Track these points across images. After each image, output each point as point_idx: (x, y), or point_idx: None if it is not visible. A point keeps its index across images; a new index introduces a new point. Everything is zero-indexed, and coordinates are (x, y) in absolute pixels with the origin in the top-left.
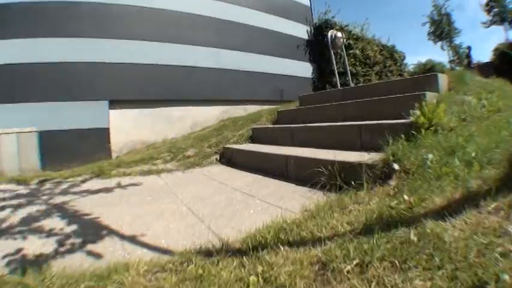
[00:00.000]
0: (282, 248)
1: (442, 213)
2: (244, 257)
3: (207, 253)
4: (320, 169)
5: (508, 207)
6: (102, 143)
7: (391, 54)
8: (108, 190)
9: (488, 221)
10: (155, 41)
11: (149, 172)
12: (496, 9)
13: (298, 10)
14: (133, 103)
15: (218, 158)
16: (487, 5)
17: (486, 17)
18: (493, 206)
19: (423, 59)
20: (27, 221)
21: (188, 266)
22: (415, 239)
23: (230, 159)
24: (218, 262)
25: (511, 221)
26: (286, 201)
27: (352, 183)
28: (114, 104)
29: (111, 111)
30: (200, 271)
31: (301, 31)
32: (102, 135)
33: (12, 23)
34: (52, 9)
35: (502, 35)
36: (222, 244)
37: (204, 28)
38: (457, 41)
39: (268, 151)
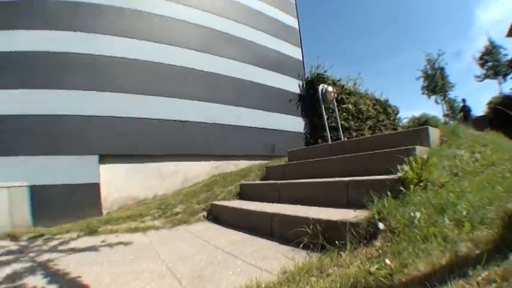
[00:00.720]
0: None
1: (424, 283)
2: None
3: None
4: (304, 228)
5: (501, 279)
6: (93, 199)
7: (385, 109)
8: (92, 248)
9: None
10: (145, 94)
11: (136, 229)
12: (489, 63)
13: (291, 64)
14: (124, 158)
15: (206, 215)
16: (480, 58)
17: (480, 71)
18: (483, 275)
19: (417, 113)
20: (12, 278)
21: None
22: None
23: (217, 216)
24: None
25: None
26: (268, 262)
27: (336, 242)
28: (104, 159)
29: (102, 166)
30: None
31: (293, 85)
32: (93, 190)
33: (2, 72)
34: (43, 59)
35: (495, 88)
36: None
37: (195, 82)
38: (451, 95)
39: (253, 208)
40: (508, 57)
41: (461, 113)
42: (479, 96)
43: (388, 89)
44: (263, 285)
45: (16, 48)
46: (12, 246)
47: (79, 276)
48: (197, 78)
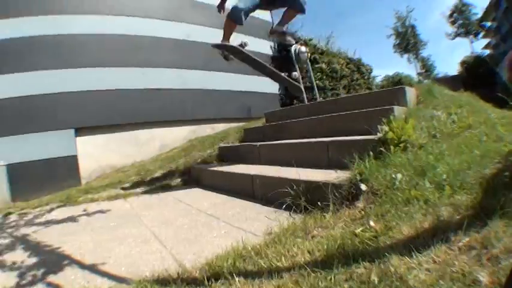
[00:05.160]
0: (236, 279)
1: (408, 246)
2: None
3: (164, 282)
4: (286, 189)
5: (481, 246)
6: (71, 171)
7: (358, 68)
8: (73, 218)
9: (457, 262)
10: (117, 66)
11: (116, 196)
12: (460, 21)
13: (259, 26)
14: (100, 129)
15: (186, 179)
16: (450, 16)
17: (451, 29)
18: (464, 241)
19: (391, 72)
20: None
21: None
22: (376, 279)
23: (197, 179)
24: None
25: (483, 264)
26: (251, 224)
27: (319, 203)
28: (80, 131)
29: (78, 139)
30: None
31: (265, 47)
32: (71, 162)
33: None
34: (12, 46)
35: (467, 47)
36: (180, 273)
37: (167, 50)
38: (424, 53)
39: (234, 171)
40: (478, 16)
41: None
42: (452, 55)
43: (360, 47)
44: (249, 247)
45: None
46: None
47: (60, 247)
48: (169, 46)
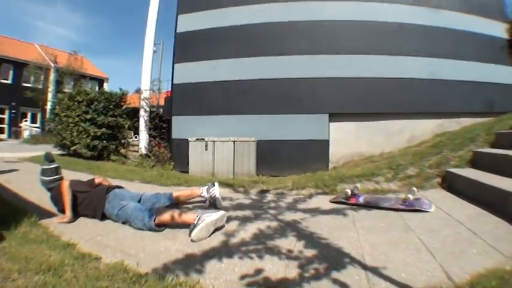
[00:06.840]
0: None
1: None
2: None
3: None
4: None
5: None
6: (321, 154)
7: None
8: (337, 211)
9: None
10: (366, 53)
11: (375, 191)
12: None
13: (491, 5)
14: (352, 116)
15: (440, 182)
16: None
17: None
18: None
19: None
20: (260, 237)
21: None
22: None
23: (451, 184)
24: None
25: None
26: (504, 244)
27: None
28: (333, 117)
29: (331, 124)
30: None
31: (498, 30)
32: (322, 146)
33: (238, 43)
34: (264, 30)
35: None
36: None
37: (413, 37)
38: None
39: (486, 182)
40: None
41: None
42: None
43: None
44: (508, 269)
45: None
46: (243, 199)
47: (335, 242)
48: (415, 34)
